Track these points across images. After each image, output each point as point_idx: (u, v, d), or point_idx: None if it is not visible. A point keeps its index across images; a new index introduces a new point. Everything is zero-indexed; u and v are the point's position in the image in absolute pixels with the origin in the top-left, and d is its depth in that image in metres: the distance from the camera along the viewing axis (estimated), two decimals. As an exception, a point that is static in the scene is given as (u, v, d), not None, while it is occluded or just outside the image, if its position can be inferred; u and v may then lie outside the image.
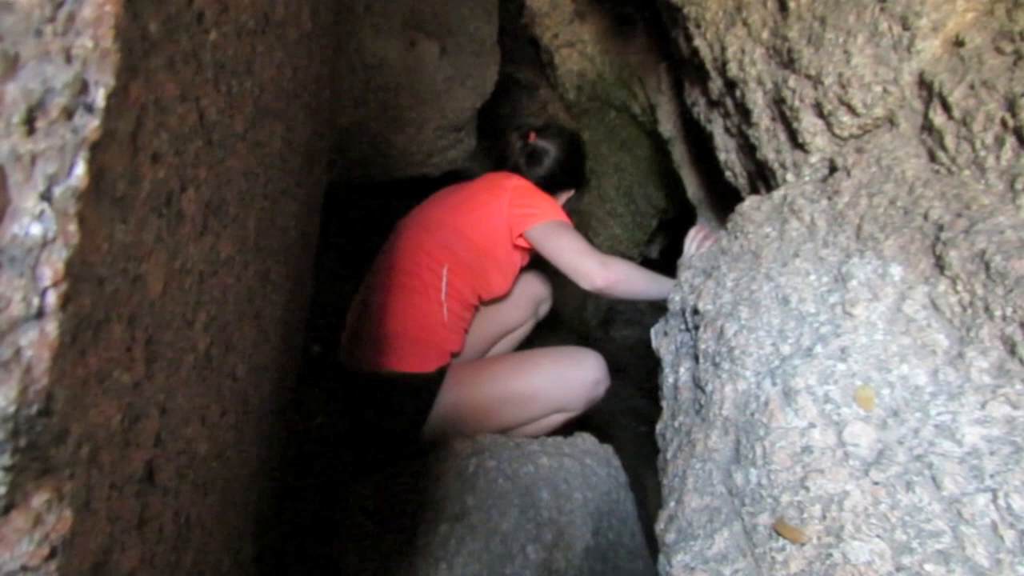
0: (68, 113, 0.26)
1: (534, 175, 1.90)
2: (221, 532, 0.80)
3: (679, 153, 2.11)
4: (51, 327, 0.26)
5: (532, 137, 1.93)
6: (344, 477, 1.55)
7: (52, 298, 0.26)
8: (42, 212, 0.26)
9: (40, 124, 0.26)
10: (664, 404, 1.16)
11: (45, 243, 0.26)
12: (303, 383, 1.73)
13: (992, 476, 0.66)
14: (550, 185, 1.91)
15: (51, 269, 0.26)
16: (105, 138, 0.27)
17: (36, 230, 0.25)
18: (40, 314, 0.26)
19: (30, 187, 0.25)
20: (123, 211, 0.31)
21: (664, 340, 1.26)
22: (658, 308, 1.69)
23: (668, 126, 2.15)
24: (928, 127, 1.00)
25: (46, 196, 0.26)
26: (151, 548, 0.53)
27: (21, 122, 0.25)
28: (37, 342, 0.26)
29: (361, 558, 1.23)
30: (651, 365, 1.46)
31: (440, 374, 1.68)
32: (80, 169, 0.26)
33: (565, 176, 1.95)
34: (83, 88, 0.27)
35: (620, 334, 2.97)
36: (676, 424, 1.05)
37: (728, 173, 1.62)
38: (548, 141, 1.92)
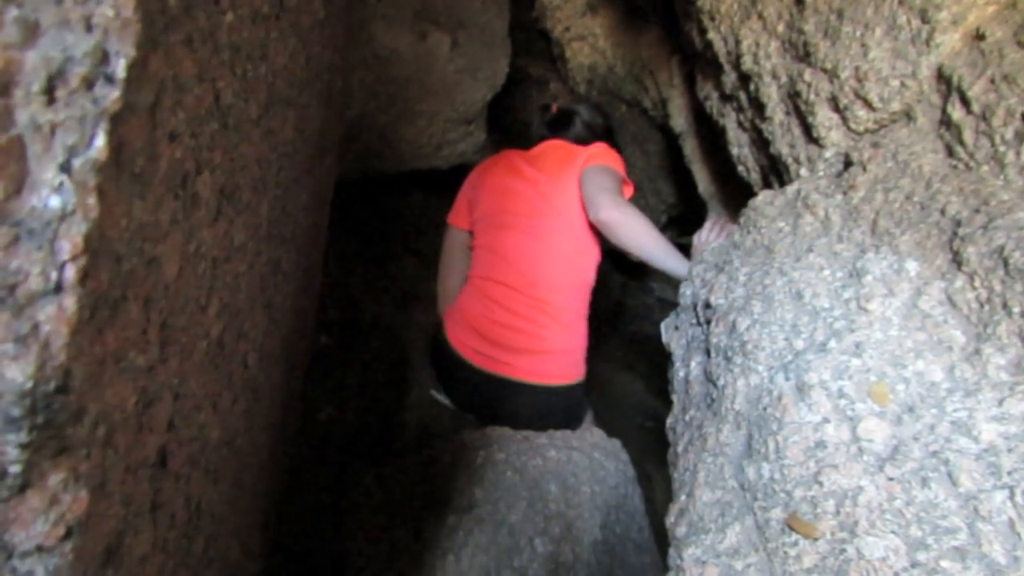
0: (88, 83, 0.26)
1: (565, 137, 1.91)
2: (231, 520, 0.80)
3: (690, 148, 2.10)
4: (69, 302, 0.26)
5: (555, 108, 1.96)
6: (352, 468, 1.55)
7: (71, 272, 0.26)
8: (61, 184, 0.25)
9: (60, 94, 0.25)
10: (675, 398, 1.15)
11: (64, 216, 0.25)
12: (312, 374, 1.73)
13: (1010, 473, 0.65)
14: (581, 144, 1.89)
15: (70, 243, 0.25)
16: (125, 110, 0.27)
17: (55, 202, 0.25)
18: (58, 288, 0.26)
19: (49, 158, 0.25)
20: (141, 187, 0.31)
21: (675, 334, 1.25)
22: (668, 303, 1.67)
23: (680, 120, 2.13)
24: (946, 122, 0.99)
25: (65, 168, 0.25)
26: (163, 533, 0.52)
27: (41, 91, 0.25)
28: (55, 317, 0.26)
29: (369, 549, 1.23)
30: (660, 360, 1.45)
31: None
32: (100, 141, 0.26)
33: (594, 135, 1.94)
34: (104, 58, 0.26)
35: (629, 328, 2.96)
36: (687, 418, 1.05)
37: (741, 168, 1.61)
38: (573, 106, 1.96)
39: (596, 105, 2.06)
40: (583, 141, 1.90)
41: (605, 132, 1.99)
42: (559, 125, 1.93)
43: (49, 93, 0.25)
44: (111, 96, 0.26)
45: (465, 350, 1.79)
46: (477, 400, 1.79)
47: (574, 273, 1.78)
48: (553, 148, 1.88)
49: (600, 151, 1.78)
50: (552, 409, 1.70)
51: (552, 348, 1.74)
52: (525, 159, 1.87)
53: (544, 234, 1.75)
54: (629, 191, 1.76)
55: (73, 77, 0.25)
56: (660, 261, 1.55)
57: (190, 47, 0.36)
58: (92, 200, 0.26)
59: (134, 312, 0.35)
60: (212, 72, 0.47)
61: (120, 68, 0.27)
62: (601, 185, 1.64)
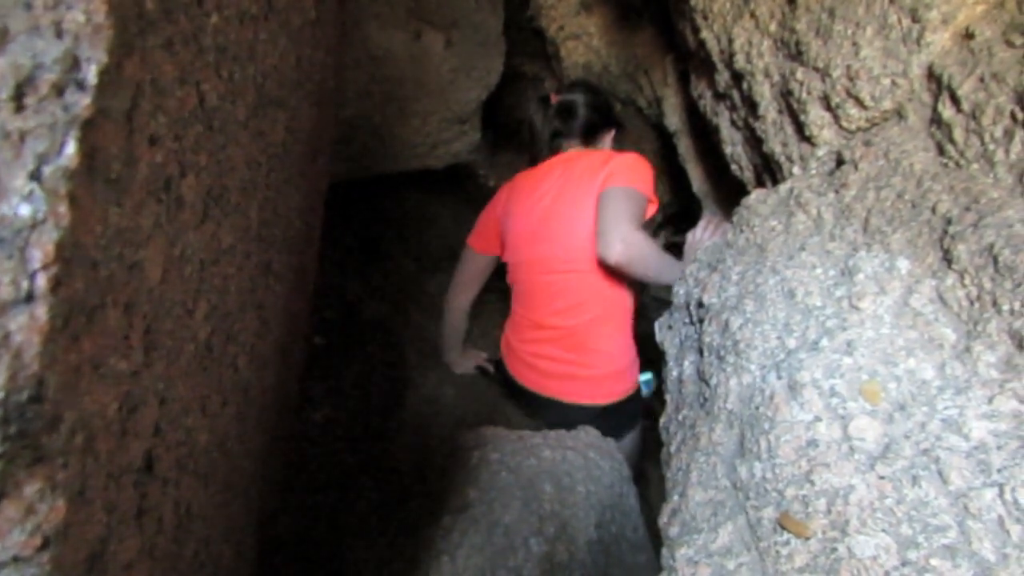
0: (59, 90, 0.25)
1: (574, 127, 1.86)
2: (223, 523, 0.79)
3: (684, 146, 2.10)
4: (41, 311, 0.26)
5: (554, 98, 1.90)
6: (348, 469, 1.55)
7: (42, 281, 0.26)
8: (31, 192, 0.25)
9: (29, 101, 0.25)
10: (668, 398, 1.15)
11: (35, 224, 0.25)
12: (308, 375, 1.73)
13: (999, 471, 0.65)
14: (591, 131, 1.88)
15: (41, 251, 0.25)
16: (98, 116, 0.27)
17: (25, 211, 0.25)
18: (30, 297, 0.25)
19: (19, 166, 0.25)
20: (118, 193, 0.30)
21: (668, 333, 1.25)
22: (662, 301, 1.67)
23: (674, 119, 2.14)
24: (937, 120, 0.99)
25: (36, 175, 0.25)
26: (150, 539, 0.52)
27: (10, 98, 0.24)
28: (27, 326, 0.25)
29: (364, 550, 1.23)
30: (655, 358, 1.45)
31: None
32: (71, 148, 0.26)
33: (601, 118, 1.90)
34: (74, 64, 0.26)
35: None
36: (680, 418, 1.05)
37: (734, 166, 1.61)
38: (570, 93, 1.89)
39: (588, 85, 2.00)
40: (595, 127, 1.88)
41: (609, 110, 1.94)
42: (565, 114, 1.87)
43: (18, 100, 0.25)
44: (82, 103, 0.26)
45: (520, 376, 1.93)
46: (541, 416, 1.92)
47: (607, 304, 1.80)
48: (571, 165, 1.81)
49: (622, 167, 1.70)
50: (603, 424, 1.73)
51: (594, 375, 1.82)
52: (547, 182, 1.83)
53: (573, 271, 1.77)
54: (652, 209, 1.71)
55: (43, 84, 0.25)
56: (671, 281, 1.54)
57: (170, 50, 0.36)
58: (63, 208, 0.26)
59: (114, 318, 0.35)
60: (196, 75, 0.46)
61: (92, 74, 0.26)
62: (616, 216, 1.58)
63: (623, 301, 1.82)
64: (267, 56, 0.76)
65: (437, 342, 2.13)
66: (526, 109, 2.82)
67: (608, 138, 1.94)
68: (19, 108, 0.25)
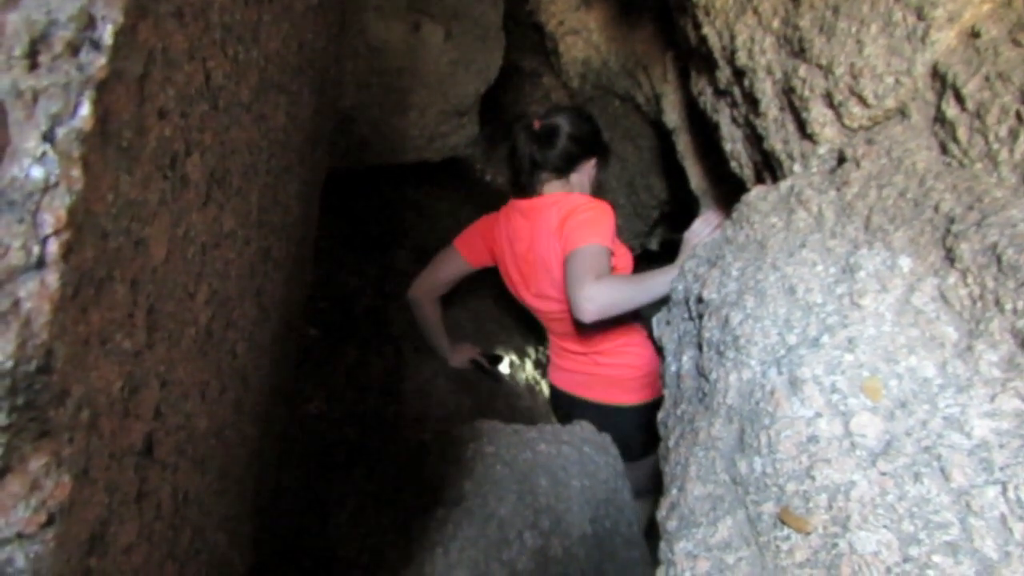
0: (73, 48, 0.24)
1: (550, 157, 1.84)
2: (219, 511, 0.79)
3: (683, 144, 2.09)
4: (52, 278, 0.25)
5: (537, 124, 1.87)
6: (342, 461, 1.54)
7: (53, 247, 0.25)
8: (44, 154, 0.24)
9: (43, 59, 0.24)
10: (666, 392, 1.15)
11: (47, 187, 0.24)
12: (302, 366, 1.72)
13: (1002, 469, 0.65)
14: (568, 162, 1.86)
15: (53, 216, 0.24)
16: (112, 78, 0.26)
17: (37, 173, 0.24)
18: (40, 264, 0.25)
19: (31, 126, 0.24)
20: (129, 162, 0.29)
21: (667, 329, 1.25)
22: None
23: (673, 116, 2.13)
24: (940, 119, 0.99)
25: (48, 137, 0.24)
26: (149, 523, 0.51)
27: (23, 55, 0.23)
28: (37, 293, 0.25)
29: (358, 542, 1.22)
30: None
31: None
32: (85, 109, 0.25)
33: (581, 148, 1.88)
34: (90, 22, 0.25)
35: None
36: (678, 412, 1.05)
37: (733, 163, 1.60)
38: (555, 118, 1.87)
39: (579, 112, 1.97)
40: (573, 159, 1.87)
41: (593, 139, 1.93)
42: (544, 142, 1.84)
43: (32, 58, 0.24)
44: (97, 63, 0.25)
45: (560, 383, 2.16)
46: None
47: (614, 325, 1.90)
48: (537, 219, 1.86)
49: (577, 227, 1.72)
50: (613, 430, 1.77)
51: (603, 377, 2.01)
52: (523, 229, 1.90)
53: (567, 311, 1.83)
54: (616, 256, 1.79)
55: (57, 41, 0.24)
56: (653, 297, 1.59)
57: (180, 21, 0.35)
58: (76, 172, 0.25)
59: (120, 293, 0.34)
60: (203, 51, 0.45)
61: (107, 34, 0.25)
62: (576, 279, 1.60)
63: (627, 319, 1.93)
64: (270, 39, 0.75)
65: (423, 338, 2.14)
66: (524, 105, 2.82)
67: (588, 166, 1.93)
68: (33, 66, 0.24)
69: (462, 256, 2.04)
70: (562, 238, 1.73)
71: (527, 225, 1.88)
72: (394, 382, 1.92)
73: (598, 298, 1.55)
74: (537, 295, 1.94)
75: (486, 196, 2.81)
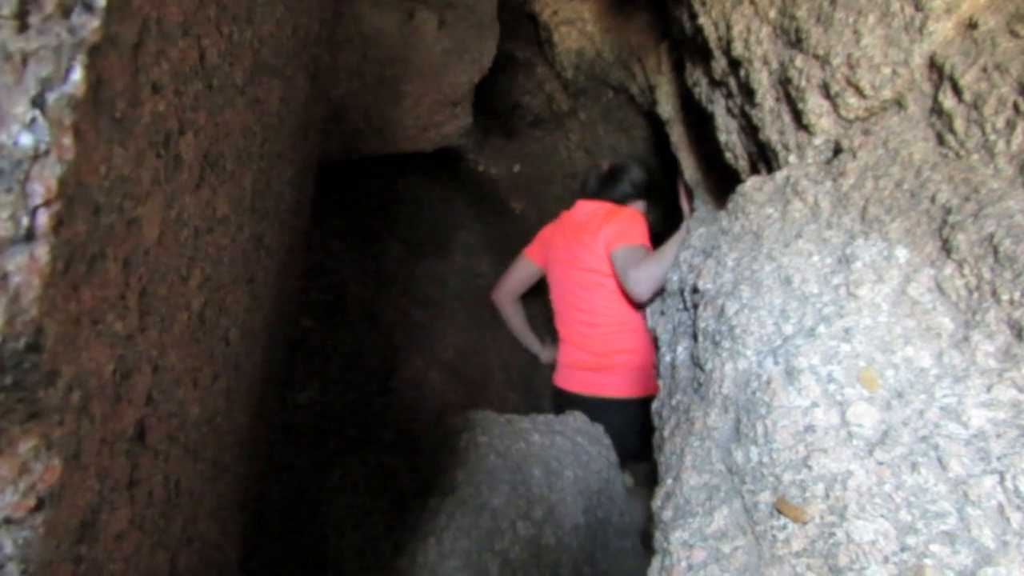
0: (65, 10, 0.23)
1: (611, 193, 2.22)
2: (210, 500, 0.78)
3: (677, 135, 2.08)
4: (42, 251, 0.24)
5: (605, 166, 2.33)
6: (334, 451, 1.53)
7: (44, 219, 0.24)
8: (34, 120, 0.23)
9: (33, 20, 0.23)
10: (661, 383, 1.14)
11: (37, 156, 0.23)
12: (295, 356, 1.70)
13: (999, 458, 0.65)
14: (623, 199, 2.23)
15: (43, 186, 0.23)
16: (105, 43, 0.25)
17: (27, 140, 0.23)
18: (30, 236, 0.23)
19: (20, 91, 0.23)
20: (122, 135, 0.28)
21: (661, 319, 1.25)
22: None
23: (667, 107, 2.12)
24: (937, 110, 0.99)
25: (38, 102, 0.23)
26: (140, 511, 0.50)
27: (12, 15, 0.22)
28: (26, 267, 0.23)
29: (350, 531, 1.21)
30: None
31: None
32: (77, 74, 0.23)
33: (636, 191, 2.26)
34: (83, -17, 0.24)
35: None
36: (673, 402, 1.04)
37: (728, 154, 1.60)
38: (622, 163, 2.32)
39: (641, 164, 2.36)
40: (626, 197, 2.24)
41: (646, 188, 2.29)
42: (609, 181, 2.25)
43: (21, 18, 0.23)
44: (90, 25, 0.24)
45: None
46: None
47: (615, 322, 2.11)
48: (586, 223, 2.18)
49: (619, 229, 2.03)
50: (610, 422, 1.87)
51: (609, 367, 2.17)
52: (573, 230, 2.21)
53: (586, 300, 2.14)
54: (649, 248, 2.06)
55: (48, 2, 0.23)
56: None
57: (175, -8, 0.34)
58: (68, 140, 0.24)
59: (112, 272, 0.33)
60: (197, 27, 0.44)
61: (101, -4, 0.24)
62: (623, 270, 1.90)
63: (629, 320, 2.10)
64: (265, 21, 0.74)
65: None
66: (518, 95, 2.80)
67: (638, 205, 2.26)
68: (22, 27, 0.23)
69: (531, 261, 2.32)
70: (606, 232, 2.06)
71: (572, 225, 2.21)
72: (386, 372, 1.91)
73: (643, 279, 1.78)
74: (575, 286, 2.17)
75: (479, 186, 2.79)
